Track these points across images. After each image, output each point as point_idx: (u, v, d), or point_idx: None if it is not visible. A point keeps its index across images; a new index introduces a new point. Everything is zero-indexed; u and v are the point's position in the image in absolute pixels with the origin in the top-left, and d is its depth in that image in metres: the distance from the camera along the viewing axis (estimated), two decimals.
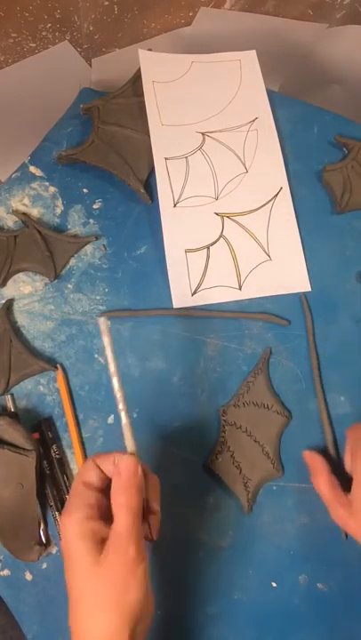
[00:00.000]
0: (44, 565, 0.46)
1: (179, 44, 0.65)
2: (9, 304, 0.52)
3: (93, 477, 0.35)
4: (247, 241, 0.55)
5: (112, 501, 0.34)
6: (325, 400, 0.50)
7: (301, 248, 0.55)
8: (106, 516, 0.34)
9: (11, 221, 0.55)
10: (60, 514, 0.45)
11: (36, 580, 0.45)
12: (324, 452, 0.48)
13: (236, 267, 0.54)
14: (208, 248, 0.54)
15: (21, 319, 0.52)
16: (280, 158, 0.57)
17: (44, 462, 0.47)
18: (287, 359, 0.51)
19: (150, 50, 0.60)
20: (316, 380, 0.50)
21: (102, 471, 0.36)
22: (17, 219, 0.54)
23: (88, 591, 0.32)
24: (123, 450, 0.36)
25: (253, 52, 0.61)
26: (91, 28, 0.61)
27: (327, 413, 0.49)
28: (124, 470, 0.34)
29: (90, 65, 0.65)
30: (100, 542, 0.33)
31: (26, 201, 0.55)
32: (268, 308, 0.53)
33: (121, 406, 0.36)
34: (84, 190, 0.56)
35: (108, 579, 0.31)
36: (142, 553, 0.33)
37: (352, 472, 0.43)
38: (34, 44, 0.62)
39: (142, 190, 0.54)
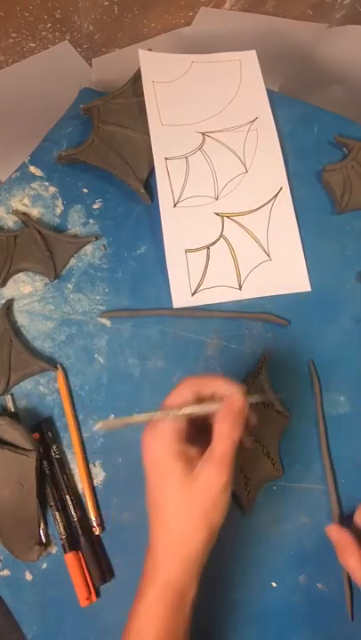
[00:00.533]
0: (44, 565, 0.46)
1: (179, 44, 0.65)
2: (9, 304, 0.52)
3: (190, 400, 0.37)
4: (247, 241, 0.55)
5: (216, 427, 0.35)
6: (323, 405, 0.50)
7: (301, 248, 0.55)
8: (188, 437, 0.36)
9: (11, 221, 0.55)
10: (60, 514, 0.45)
11: (36, 580, 0.45)
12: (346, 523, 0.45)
13: (236, 267, 0.54)
14: (208, 248, 0.54)
15: (21, 319, 0.52)
16: (280, 158, 0.57)
17: (44, 462, 0.47)
18: (287, 359, 0.51)
19: (150, 50, 0.60)
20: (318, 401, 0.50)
21: (196, 395, 0.37)
22: (17, 219, 0.54)
23: (179, 503, 0.34)
24: None
25: (253, 52, 0.61)
26: (91, 28, 0.61)
27: (322, 413, 0.49)
28: (235, 402, 0.35)
29: (90, 65, 0.65)
30: (189, 462, 0.35)
31: (26, 201, 0.55)
32: (268, 308, 0.53)
33: None
34: (84, 190, 0.56)
35: (200, 496, 0.34)
36: (231, 482, 0.35)
37: None
38: (34, 44, 0.62)
39: (142, 190, 0.54)
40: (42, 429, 0.48)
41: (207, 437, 0.36)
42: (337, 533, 0.43)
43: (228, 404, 0.36)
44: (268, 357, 0.50)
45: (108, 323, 0.52)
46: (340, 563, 0.42)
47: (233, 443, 0.35)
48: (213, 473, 0.34)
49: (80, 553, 0.45)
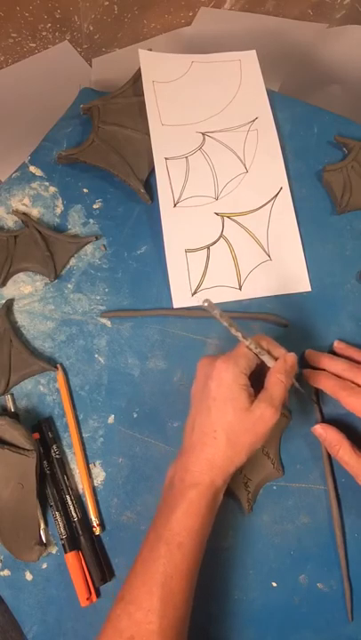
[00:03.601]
0: (44, 565, 0.46)
1: (179, 44, 0.65)
2: (9, 304, 0.52)
3: (260, 350, 0.43)
4: (247, 241, 0.55)
5: (272, 376, 0.42)
6: (322, 405, 0.50)
7: (301, 248, 0.55)
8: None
9: (11, 221, 0.55)
10: (60, 514, 0.45)
11: (36, 580, 0.45)
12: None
13: (237, 267, 0.54)
14: (208, 248, 0.54)
15: (21, 319, 0.52)
16: (280, 158, 0.57)
17: (44, 462, 0.47)
18: None
19: (150, 50, 0.60)
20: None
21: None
22: (17, 219, 0.54)
23: (234, 427, 0.40)
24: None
25: (253, 52, 0.61)
26: (91, 28, 0.61)
27: (322, 414, 0.49)
28: (289, 359, 0.43)
29: (90, 65, 0.65)
30: (249, 396, 0.41)
31: (26, 201, 0.55)
32: (268, 308, 0.53)
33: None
34: (84, 190, 0.56)
35: (254, 428, 0.40)
36: (276, 420, 0.40)
37: None
38: (34, 44, 0.62)
39: (142, 190, 0.54)
40: (42, 429, 0.48)
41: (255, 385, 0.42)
42: (324, 430, 0.46)
43: (283, 359, 0.43)
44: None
45: (108, 323, 0.52)
46: (336, 458, 0.45)
47: (285, 389, 0.42)
48: (269, 411, 0.40)
49: (80, 553, 0.45)
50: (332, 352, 0.51)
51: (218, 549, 0.46)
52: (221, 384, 0.41)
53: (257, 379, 0.43)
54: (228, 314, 0.42)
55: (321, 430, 0.46)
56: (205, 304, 0.39)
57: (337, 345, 0.51)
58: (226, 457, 0.40)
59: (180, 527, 0.39)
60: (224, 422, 0.40)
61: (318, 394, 0.50)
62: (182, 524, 0.39)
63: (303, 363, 0.51)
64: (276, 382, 0.41)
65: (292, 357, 0.43)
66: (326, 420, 0.49)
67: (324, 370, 0.48)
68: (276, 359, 0.43)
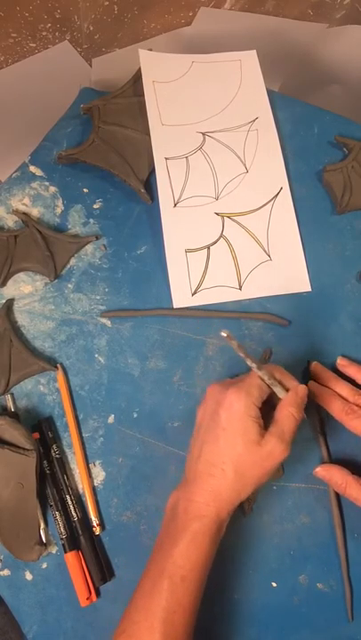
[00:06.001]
0: (44, 565, 0.46)
1: (179, 44, 0.65)
2: (9, 304, 0.52)
3: (273, 381, 0.42)
4: (247, 241, 0.55)
5: (283, 409, 0.41)
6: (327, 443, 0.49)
7: (301, 248, 0.55)
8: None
9: (11, 221, 0.55)
10: (60, 514, 0.45)
11: (36, 580, 0.45)
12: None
13: (237, 267, 0.54)
14: (208, 248, 0.54)
15: (21, 319, 0.52)
16: (280, 158, 0.57)
17: (44, 462, 0.47)
18: (287, 359, 0.51)
19: (150, 50, 0.60)
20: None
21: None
22: (17, 218, 0.54)
23: (244, 461, 0.39)
24: None
25: (254, 52, 0.61)
26: (91, 28, 0.61)
27: (321, 414, 0.49)
28: (300, 392, 0.42)
29: (90, 65, 0.65)
30: (260, 429, 0.40)
31: (26, 201, 0.55)
32: (268, 308, 0.53)
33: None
34: (85, 190, 0.56)
35: (263, 463, 0.39)
36: (285, 457, 0.40)
37: None
38: (34, 44, 0.62)
39: (142, 190, 0.54)
40: (42, 429, 0.48)
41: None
42: (327, 472, 0.46)
43: (295, 391, 0.42)
44: (269, 355, 0.50)
45: (108, 323, 0.52)
46: (344, 496, 0.45)
47: (296, 423, 0.41)
48: (279, 448, 0.39)
49: (80, 553, 0.45)
50: (334, 368, 0.50)
51: (218, 549, 0.46)
52: (232, 415, 0.40)
53: (265, 408, 0.42)
54: (244, 346, 0.41)
55: (324, 472, 0.46)
56: (224, 334, 0.38)
57: (340, 362, 0.50)
58: (233, 490, 0.39)
59: (184, 560, 0.38)
60: (233, 455, 0.39)
61: (323, 422, 0.49)
62: (186, 558, 0.38)
63: (308, 375, 0.51)
64: (288, 416, 0.41)
65: (303, 390, 0.42)
66: (331, 448, 0.49)
67: (328, 386, 0.48)
68: (287, 390, 0.42)
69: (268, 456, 0.39)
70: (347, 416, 0.45)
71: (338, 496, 0.48)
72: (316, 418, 0.49)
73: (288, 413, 0.41)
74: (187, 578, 0.38)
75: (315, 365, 0.50)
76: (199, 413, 0.43)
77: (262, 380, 0.41)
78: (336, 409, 0.46)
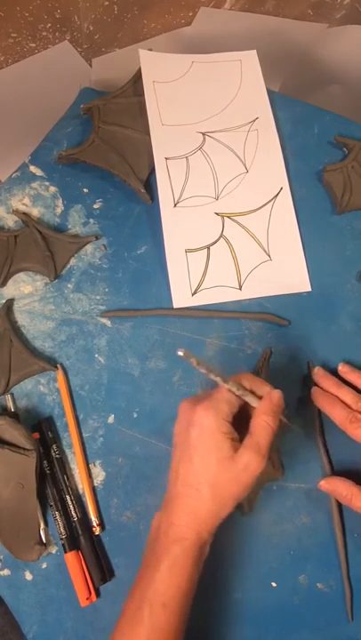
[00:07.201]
0: (44, 565, 0.46)
1: (179, 44, 0.65)
2: (9, 304, 0.52)
3: (243, 391, 0.41)
4: (247, 241, 0.55)
5: (257, 419, 0.39)
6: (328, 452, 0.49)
7: (302, 248, 0.55)
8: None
9: (11, 221, 0.55)
10: (60, 514, 0.45)
11: (36, 580, 0.45)
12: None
13: (237, 267, 0.54)
14: (208, 248, 0.54)
15: (21, 319, 0.52)
16: (280, 158, 0.57)
17: (44, 462, 0.47)
18: (287, 359, 0.51)
19: (150, 50, 0.60)
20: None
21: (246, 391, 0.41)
22: (17, 218, 0.54)
23: (219, 478, 0.38)
24: None
25: (254, 52, 0.61)
26: (91, 28, 0.61)
27: (321, 414, 0.49)
28: (275, 399, 0.40)
29: (90, 65, 0.65)
30: (233, 443, 0.39)
31: (26, 201, 0.55)
32: (268, 308, 0.53)
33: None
34: (85, 190, 0.56)
35: (238, 478, 0.38)
36: (262, 469, 0.38)
37: None
38: (34, 44, 0.62)
39: (142, 190, 0.54)
40: (42, 429, 0.48)
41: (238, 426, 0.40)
42: (331, 485, 0.45)
43: (268, 399, 0.40)
44: (269, 354, 0.50)
45: (108, 323, 0.52)
46: (350, 508, 0.44)
47: (272, 432, 0.39)
48: (255, 461, 0.38)
49: (80, 553, 0.45)
50: (334, 371, 0.50)
51: (218, 549, 0.46)
52: (203, 432, 0.39)
53: (242, 419, 0.40)
54: (205, 362, 0.38)
55: (328, 485, 0.45)
56: (181, 353, 0.36)
57: (341, 368, 0.50)
58: (210, 511, 0.38)
59: (165, 587, 0.37)
60: (208, 475, 0.38)
61: (324, 434, 0.49)
62: (167, 584, 0.37)
63: (310, 380, 0.51)
64: (263, 425, 0.39)
65: (277, 395, 0.40)
66: (333, 457, 0.49)
67: (330, 392, 0.48)
68: (260, 398, 0.41)
69: (243, 470, 0.38)
70: (351, 425, 0.44)
71: None
72: (317, 422, 0.49)
73: (262, 422, 0.39)
74: (168, 605, 0.37)
75: (317, 371, 0.49)
76: (175, 431, 0.42)
77: (232, 392, 0.40)
78: (339, 417, 0.45)
